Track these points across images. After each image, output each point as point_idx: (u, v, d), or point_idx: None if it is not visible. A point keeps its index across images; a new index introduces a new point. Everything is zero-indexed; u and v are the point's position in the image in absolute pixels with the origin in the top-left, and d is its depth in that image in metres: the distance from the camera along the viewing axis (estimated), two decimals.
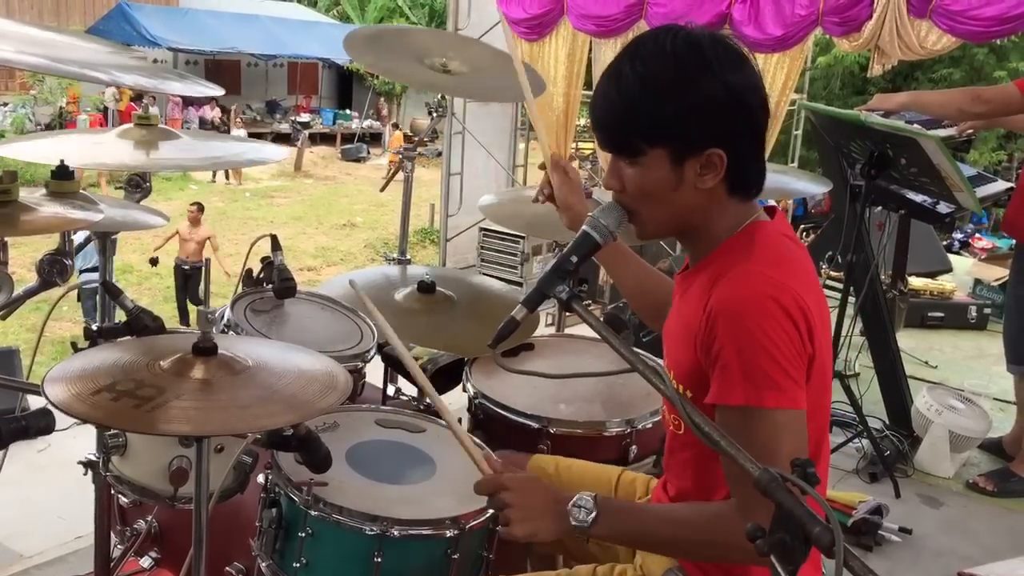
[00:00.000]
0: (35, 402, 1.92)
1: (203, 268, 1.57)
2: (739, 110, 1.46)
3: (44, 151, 1.96)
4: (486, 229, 9.47)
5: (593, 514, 1.49)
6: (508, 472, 1.59)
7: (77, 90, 19.26)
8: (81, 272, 7.74)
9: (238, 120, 21.62)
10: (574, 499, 1.51)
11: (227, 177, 18.50)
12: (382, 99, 25.04)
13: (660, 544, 1.58)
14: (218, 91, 1.79)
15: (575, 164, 12.46)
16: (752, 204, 1.56)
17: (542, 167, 2.06)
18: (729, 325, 1.40)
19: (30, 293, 1.86)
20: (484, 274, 7.67)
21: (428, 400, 2.57)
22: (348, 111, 25.40)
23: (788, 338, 1.39)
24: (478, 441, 2.04)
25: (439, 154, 10.17)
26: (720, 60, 1.44)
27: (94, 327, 1.83)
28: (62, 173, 1.71)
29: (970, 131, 3.80)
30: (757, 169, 1.53)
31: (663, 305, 1.98)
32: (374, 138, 24.50)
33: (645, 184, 1.50)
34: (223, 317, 2.21)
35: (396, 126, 23.15)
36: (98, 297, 2.04)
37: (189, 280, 9.79)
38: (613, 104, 1.49)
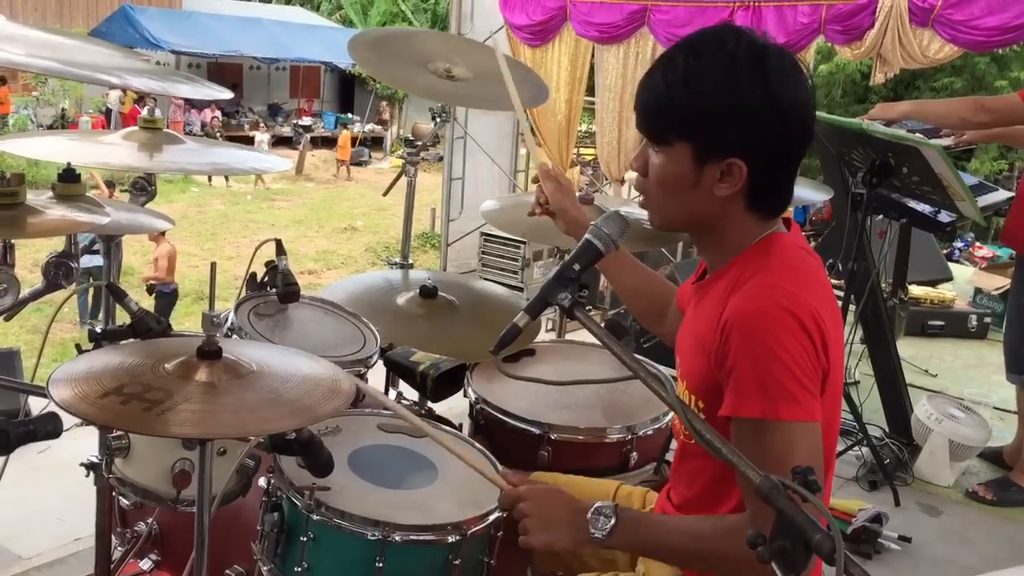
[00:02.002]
0: (35, 403, 1.92)
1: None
2: (776, 127, 1.44)
3: (48, 149, 1.97)
4: (487, 234, 9.49)
5: (612, 523, 1.49)
6: (526, 484, 1.61)
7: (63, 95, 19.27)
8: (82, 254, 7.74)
9: (261, 125, 21.63)
10: (593, 508, 1.50)
11: (226, 180, 18.50)
12: (384, 103, 25.04)
13: (675, 556, 1.58)
14: (226, 93, 1.80)
15: (576, 169, 12.49)
16: (772, 219, 1.55)
17: (535, 180, 2.07)
18: (744, 337, 1.39)
19: (36, 295, 1.87)
20: (485, 279, 7.68)
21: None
22: (350, 115, 25.44)
23: (804, 351, 1.38)
24: (484, 450, 2.04)
25: (441, 159, 10.20)
26: (778, 73, 1.42)
27: (98, 329, 1.84)
28: (68, 176, 1.72)
29: (968, 141, 3.80)
30: (782, 191, 1.52)
31: (661, 307, 1.99)
32: (376, 142, 24.54)
33: (665, 174, 1.51)
34: (227, 320, 2.21)
35: (345, 125, 22.90)
36: (88, 297, 2.04)
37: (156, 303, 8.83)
38: (657, 89, 1.48)
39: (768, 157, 1.46)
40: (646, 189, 1.57)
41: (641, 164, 1.56)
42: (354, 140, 23.73)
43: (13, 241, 1.74)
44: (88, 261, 9.45)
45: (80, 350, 1.69)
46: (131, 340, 1.84)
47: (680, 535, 1.53)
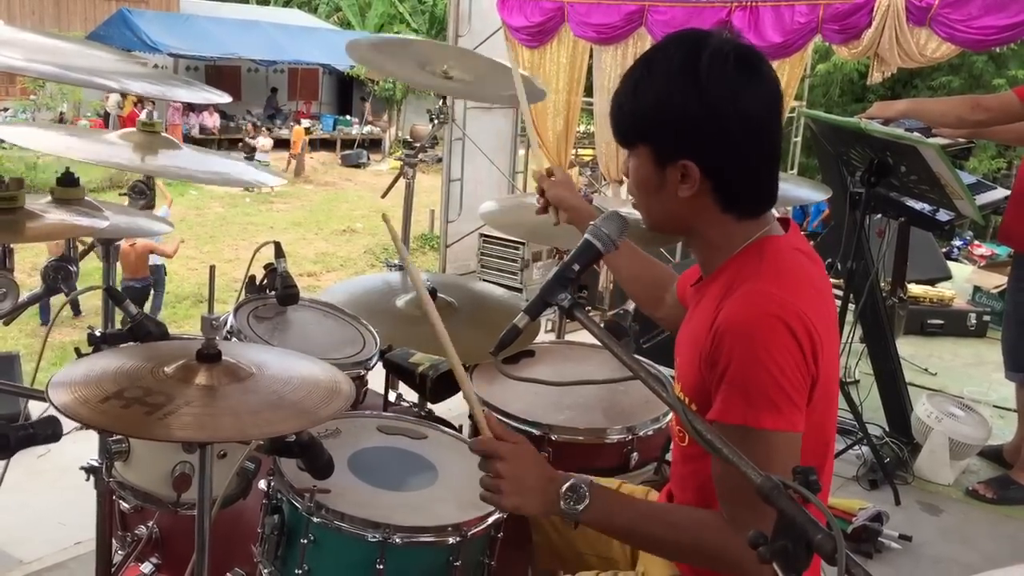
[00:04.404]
0: (35, 407, 1.92)
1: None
2: (715, 129, 1.46)
3: (49, 143, 1.97)
4: (486, 235, 9.48)
5: (585, 502, 1.49)
6: (508, 439, 1.56)
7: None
8: None
9: (262, 128, 21.61)
10: (568, 483, 1.50)
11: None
12: (368, 105, 24.95)
13: (646, 542, 1.58)
14: (224, 97, 1.79)
15: (575, 170, 12.49)
16: (762, 219, 1.55)
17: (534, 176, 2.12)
18: (734, 344, 1.40)
19: (35, 299, 1.87)
20: (484, 280, 7.69)
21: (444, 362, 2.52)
22: (348, 117, 25.42)
23: (792, 360, 1.39)
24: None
25: (440, 160, 10.20)
26: (712, 77, 1.44)
27: (98, 333, 1.84)
28: (67, 180, 1.72)
29: (962, 140, 3.80)
30: (752, 191, 1.53)
31: (659, 292, 2.02)
32: (374, 144, 24.52)
33: (636, 175, 1.57)
34: (226, 323, 2.21)
35: (298, 120, 22.74)
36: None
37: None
38: (617, 96, 1.56)
39: (720, 159, 1.48)
40: (631, 191, 1.62)
41: (625, 167, 1.62)
42: (352, 142, 23.73)
43: (11, 246, 1.74)
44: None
45: (79, 354, 1.69)
46: (130, 343, 1.84)
47: (654, 523, 1.53)
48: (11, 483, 1.94)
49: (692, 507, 1.58)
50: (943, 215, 3.81)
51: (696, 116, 1.45)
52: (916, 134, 3.37)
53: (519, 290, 8.79)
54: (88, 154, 2.00)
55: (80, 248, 2.00)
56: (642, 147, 1.53)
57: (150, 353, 1.60)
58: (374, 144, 24.53)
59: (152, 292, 10.10)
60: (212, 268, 1.58)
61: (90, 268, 2.08)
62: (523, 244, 9.22)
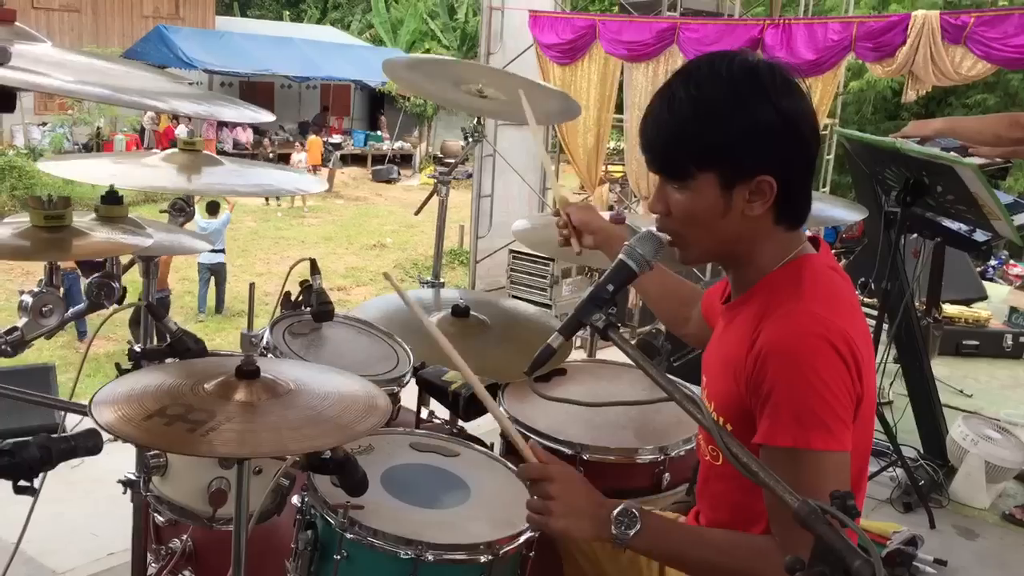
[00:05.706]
0: (71, 419, 1.94)
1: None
2: (791, 137, 1.45)
3: (92, 171, 2.02)
4: (516, 251, 9.50)
5: (636, 527, 1.47)
6: (556, 464, 1.55)
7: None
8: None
9: (296, 145, 21.96)
10: (619, 508, 1.48)
11: (274, 199, 18.70)
12: (383, 118, 25.21)
13: (694, 567, 1.56)
14: (268, 116, 1.81)
15: (605, 187, 12.49)
16: (798, 234, 1.55)
17: (555, 213, 2.11)
18: (781, 366, 1.39)
19: (78, 314, 1.90)
20: (514, 296, 7.69)
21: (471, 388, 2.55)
22: (379, 133, 25.64)
23: (840, 379, 1.38)
24: (515, 469, 2.04)
25: (470, 176, 10.24)
26: (776, 87, 1.43)
27: (137, 348, 1.87)
28: (112, 198, 1.75)
29: (999, 159, 3.76)
30: (805, 198, 1.52)
31: (685, 311, 2.00)
32: (405, 159, 24.70)
33: (692, 209, 1.49)
34: (263, 339, 2.23)
35: (330, 133, 23.21)
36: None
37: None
38: (664, 125, 1.48)
39: (792, 168, 1.47)
40: (673, 229, 1.54)
41: (663, 205, 1.54)
42: (382, 157, 23.93)
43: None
44: (210, 258, 10.33)
45: (120, 370, 1.72)
46: (169, 360, 1.87)
47: (703, 547, 1.51)
48: (45, 494, 1.97)
49: (745, 533, 1.56)
50: (980, 235, 3.77)
51: (775, 126, 1.42)
52: (953, 153, 3.33)
53: (548, 307, 8.80)
54: (133, 180, 2.04)
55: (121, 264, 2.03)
56: (705, 175, 1.45)
57: (189, 370, 1.62)
58: (405, 159, 24.71)
59: (216, 287, 11.13)
60: (252, 285, 1.60)
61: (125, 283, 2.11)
62: (552, 261, 9.24)
